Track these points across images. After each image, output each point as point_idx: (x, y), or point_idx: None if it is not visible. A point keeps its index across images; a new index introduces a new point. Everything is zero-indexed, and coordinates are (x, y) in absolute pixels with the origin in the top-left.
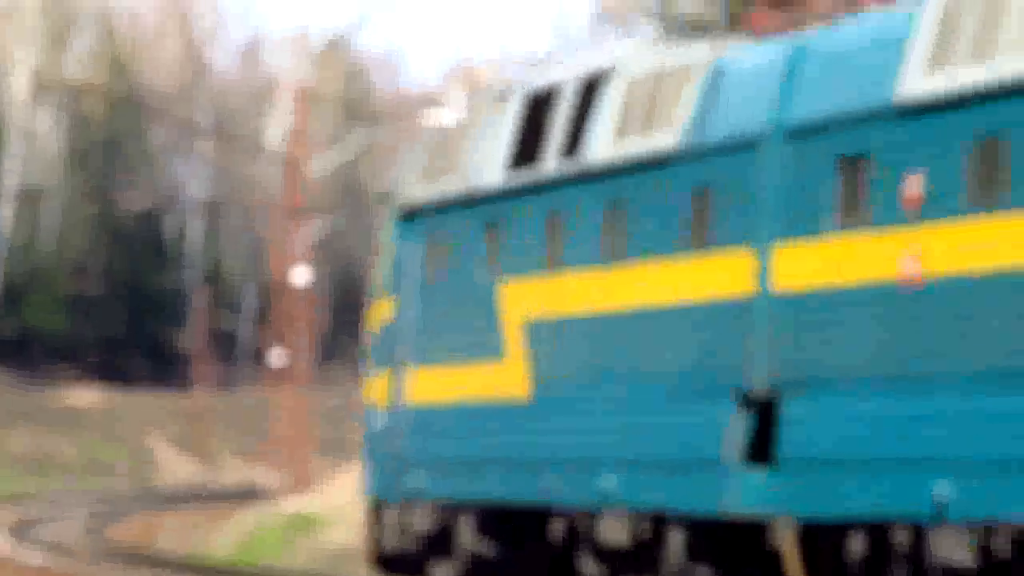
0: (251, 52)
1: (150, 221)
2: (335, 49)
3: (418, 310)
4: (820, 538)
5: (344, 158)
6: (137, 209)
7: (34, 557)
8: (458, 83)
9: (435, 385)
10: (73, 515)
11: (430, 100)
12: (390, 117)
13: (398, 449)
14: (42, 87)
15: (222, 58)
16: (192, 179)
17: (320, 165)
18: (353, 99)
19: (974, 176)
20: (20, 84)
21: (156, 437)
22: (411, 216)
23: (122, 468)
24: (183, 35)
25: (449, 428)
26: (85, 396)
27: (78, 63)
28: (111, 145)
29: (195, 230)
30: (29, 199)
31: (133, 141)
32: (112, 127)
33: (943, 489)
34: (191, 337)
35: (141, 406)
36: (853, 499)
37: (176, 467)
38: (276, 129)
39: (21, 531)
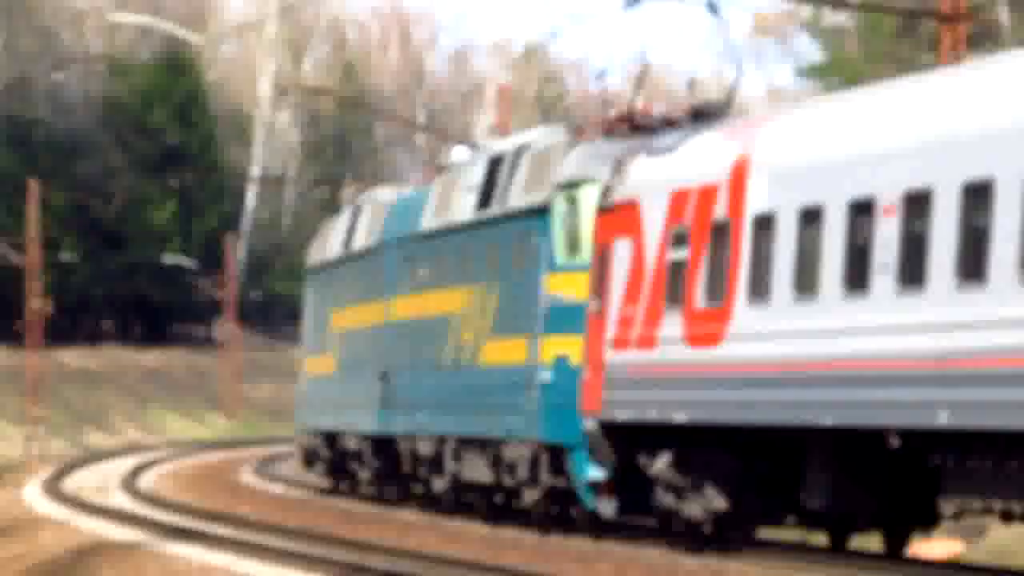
0: (461, 58)
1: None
2: (532, 55)
3: (310, 323)
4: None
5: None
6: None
7: (275, 488)
8: (635, 85)
9: (314, 365)
10: None
11: (614, 100)
12: (580, 114)
13: (304, 400)
14: (282, 90)
15: (436, 63)
16: (410, 168)
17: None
18: (548, 99)
19: (436, 271)
20: (264, 87)
21: None
22: (312, 271)
23: None
24: (403, 44)
25: (317, 388)
26: None
27: (313, 69)
28: (341, 139)
29: None
30: (271, 184)
31: (359, 136)
32: (342, 123)
33: (423, 417)
34: None
35: None
36: (409, 424)
37: None
38: (482, 125)
39: (264, 468)
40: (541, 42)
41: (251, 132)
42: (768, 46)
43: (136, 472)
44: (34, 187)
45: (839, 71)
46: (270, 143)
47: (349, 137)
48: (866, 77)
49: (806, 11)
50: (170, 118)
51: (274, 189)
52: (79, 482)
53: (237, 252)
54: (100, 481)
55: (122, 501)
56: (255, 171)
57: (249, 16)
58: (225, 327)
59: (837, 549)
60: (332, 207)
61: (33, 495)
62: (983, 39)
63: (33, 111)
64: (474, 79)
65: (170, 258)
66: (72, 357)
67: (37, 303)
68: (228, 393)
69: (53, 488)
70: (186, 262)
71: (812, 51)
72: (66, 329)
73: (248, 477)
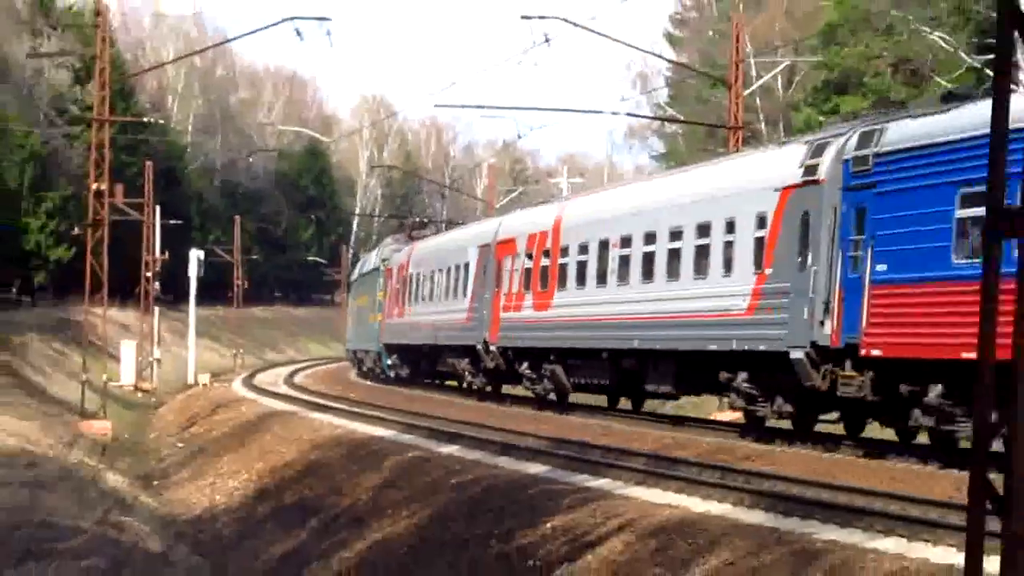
0: (469, 148)
1: (425, 229)
2: (508, 146)
3: (351, 304)
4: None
5: (510, 197)
6: (418, 223)
7: (367, 382)
8: (564, 164)
9: (350, 322)
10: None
11: (552, 172)
12: (534, 179)
13: (347, 337)
14: (371, 166)
15: (456, 151)
16: (443, 209)
17: (501, 202)
18: (516, 172)
19: (367, 287)
20: (362, 164)
21: None
22: (353, 281)
23: None
24: (438, 140)
25: (350, 331)
26: None
27: (389, 155)
28: (404, 194)
29: None
30: (365, 219)
31: (414, 191)
32: (404, 185)
33: (364, 342)
34: None
35: None
36: (361, 345)
37: None
38: (480, 185)
39: (362, 372)
40: (511, 140)
41: (355, 189)
42: (636, 141)
43: (292, 374)
44: (237, 220)
45: (674, 158)
46: (365, 195)
47: (408, 193)
48: (689, 161)
49: (656, 124)
50: (311, 181)
51: (367, 221)
52: (262, 379)
53: (347, 255)
54: (273, 379)
55: (285, 389)
56: (357, 210)
57: (354, 127)
58: (340, 296)
59: (459, 389)
60: (399, 231)
61: (238, 386)
62: (751, 140)
63: (236, 176)
64: (476, 160)
65: (311, 258)
66: (258, 311)
67: (239, 281)
68: (342, 330)
69: (248, 382)
70: (320, 260)
71: (659, 145)
72: (254, 296)
73: (354, 376)
